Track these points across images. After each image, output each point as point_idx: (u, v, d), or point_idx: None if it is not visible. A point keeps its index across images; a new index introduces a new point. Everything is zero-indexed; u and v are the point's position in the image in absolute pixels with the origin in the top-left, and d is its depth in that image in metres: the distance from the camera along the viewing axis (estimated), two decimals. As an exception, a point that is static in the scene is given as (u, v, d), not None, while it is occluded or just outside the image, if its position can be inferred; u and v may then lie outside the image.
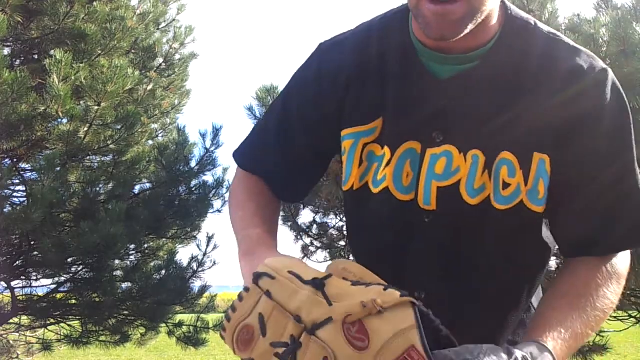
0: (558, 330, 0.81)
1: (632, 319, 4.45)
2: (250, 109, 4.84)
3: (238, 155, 1.11)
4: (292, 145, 1.03)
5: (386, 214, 0.95)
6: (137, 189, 4.88)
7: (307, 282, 0.75)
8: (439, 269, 0.95)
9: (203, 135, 4.91)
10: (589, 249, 0.90)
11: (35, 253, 4.46)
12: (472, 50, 0.90)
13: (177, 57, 5.27)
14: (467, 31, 0.85)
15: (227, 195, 5.23)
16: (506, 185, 0.88)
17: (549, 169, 0.88)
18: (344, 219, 1.12)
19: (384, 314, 0.68)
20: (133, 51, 4.87)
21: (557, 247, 0.98)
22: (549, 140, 0.88)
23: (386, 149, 0.93)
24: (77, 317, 4.90)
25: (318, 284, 0.74)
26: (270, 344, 0.73)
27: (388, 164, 0.93)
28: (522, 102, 0.89)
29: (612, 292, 0.88)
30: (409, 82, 0.93)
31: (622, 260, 0.91)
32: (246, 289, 0.78)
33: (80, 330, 4.98)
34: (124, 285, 4.82)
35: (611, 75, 0.90)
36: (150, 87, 4.59)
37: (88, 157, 4.50)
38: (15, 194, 4.58)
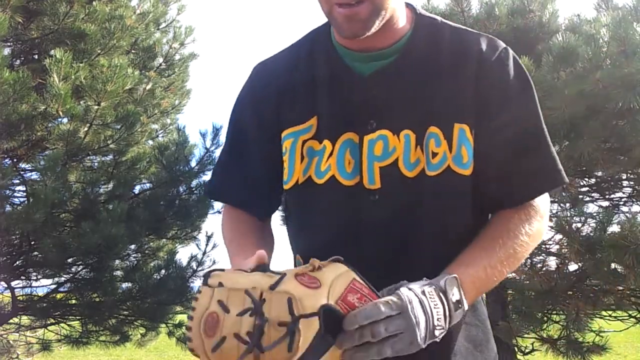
0: (465, 264, 0.96)
1: (632, 319, 4.45)
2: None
3: (207, 189, 1.24)
4: (247, 166, 1.14)
5: (335, 200, 1.04)
6: (137, 189, 4.87)
7: (253, 270, 0.85)
8: (391, 241, 1.03)
9: (203, 135, 4.90)
10: (503, 202, 1.05)
11: (36, 253, 4.46)
12: (388, 48, 1.05)
13: (177, 57, 5.26)
14: (375, 27, 0.99)
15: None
16: (434, 155, 1.01)
17: (470, 137, 1.01)
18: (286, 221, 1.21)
19: (323, 269, 0.83)
20: (133, 51, 4.87)
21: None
22: (467, 111, 1.02)
23: (326, 142, 1.05)
24: (77, 317, 4.89)
25: (263, 266, 0.85)
26: (236, 315, 0.79)
27: (330, 155, 1.04)
28: (439, 83, 1.03)
29: (524, 234, 1.01)
30: (337, 81, 1.06)
31: (539, 204, 1.05)
32: (198, 291, 0.84)
33: (80, 331, 4.97)
34: (124, 285, 4.82)
35: (511, 52, 1.07)
36: (149, 87, 4.58)
37: (88, 157, 4.50)
38: (15, 194, 4.59)
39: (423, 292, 0.86)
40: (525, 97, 1.05)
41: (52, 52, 4.05)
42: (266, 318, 0.77)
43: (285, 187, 1.09)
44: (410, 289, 0.86)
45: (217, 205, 5.18)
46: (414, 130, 1.01)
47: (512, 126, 1.03)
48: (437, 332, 0.86)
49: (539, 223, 1.04)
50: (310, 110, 1.06)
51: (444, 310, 0.87)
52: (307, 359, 0.76)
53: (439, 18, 1.10)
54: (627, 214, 4.29)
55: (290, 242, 1.19)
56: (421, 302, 0.85)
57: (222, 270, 0.84)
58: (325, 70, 1.07)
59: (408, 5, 1.09)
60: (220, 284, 0.82)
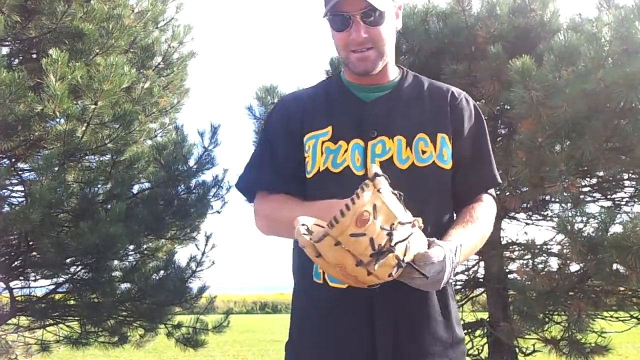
0: (457, 237, 1.36)
1: (633, 319, 4.43)
2: (250, 108, 4.82)
3: (244, 184, 1.56)
4: (280, 161, 1.50)
5: (349, 185, 1.29)
6: (135, 188, 4.85)
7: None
8: None
9: (201, 135, 4.88)
10: (468, 198, 1.50)
11: (34, 253, 4.45)
12: (384, 84, 1.51)
13: (175, 56, 5.23)
14: (379, 67, 1.46)
15: (226, 196, 5.22)
16: (423, 152, 1.44)
17: (448, 143, 1.47)
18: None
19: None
20: (132, 50, 4.84)
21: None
22: (446, 127, 1.48)
23: (342, 142, 1.45)
24: (76, 318, 4.88)
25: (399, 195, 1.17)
26: (380, 227, 1.08)
27: (345, 152, 1.44)
28: (423, 107, 1.49)
29: (486, 218, 1.48)
30: (346, 104, 1.50)
31: (485, 199, 1.53)
32: (366, 184, 1.09)
33: (79, 331, 4.97)
34: (123, 285, 4.80)
35: (469, 97, 1.58)
36: (147, 85, 4.55)
37: (86, 157, 4.48)
38: (13, 194, 4.57)
39: (452, 251, 1.24)
40: (481, 126, 1.54)
41: (49, 51, 4.02)
42: (393, 248, 1.09)
43: (308, 176, 1.46)
44: (447, 247, 1.23)
45: (216, 205, 5.17)
46: (405, 136, 1.44)
47: (472, 142, 1.51)
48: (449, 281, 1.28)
49: (492, 209, 1.53)
50: (327, 120, 1.47)
51: (453, 267, 1.24)
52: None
53: (420, 76, 1.59)
54: (629, 214, 4.26)
55: None
56: (451, 258, 1.23)
57: (384, 178, 1.12)
58: (338, 97, 1.52)
59: (398, 65, 1.56)
60: (379, 190, 1.09)
